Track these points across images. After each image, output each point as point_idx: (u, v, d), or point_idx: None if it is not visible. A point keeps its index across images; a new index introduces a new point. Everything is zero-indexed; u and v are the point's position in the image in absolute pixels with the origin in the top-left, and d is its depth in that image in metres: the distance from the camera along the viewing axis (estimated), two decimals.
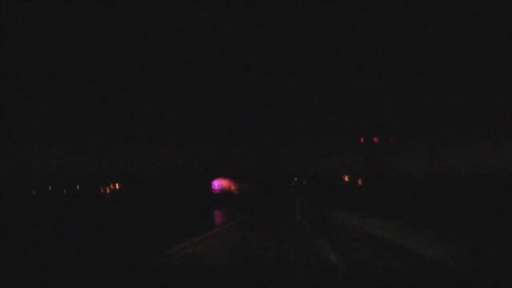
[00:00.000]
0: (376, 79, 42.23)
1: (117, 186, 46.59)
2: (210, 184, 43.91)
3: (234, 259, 7.32)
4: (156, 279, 5.43)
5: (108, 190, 45.65)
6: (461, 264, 5.86)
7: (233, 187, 45.21)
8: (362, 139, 47.19)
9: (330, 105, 59.17)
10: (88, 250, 8.00)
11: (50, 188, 38.53)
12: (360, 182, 57.05)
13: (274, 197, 39.33)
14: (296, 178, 77.10)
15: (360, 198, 31.19)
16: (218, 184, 43.90)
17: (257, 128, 69.34)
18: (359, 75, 43.76)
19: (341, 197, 35.08)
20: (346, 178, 61.63)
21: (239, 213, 20.62)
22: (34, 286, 4.99)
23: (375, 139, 46.34)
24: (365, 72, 44.31)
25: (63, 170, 40.06)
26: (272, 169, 60.40)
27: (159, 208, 23.10)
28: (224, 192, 41.47)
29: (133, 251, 8.11)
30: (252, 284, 5.03)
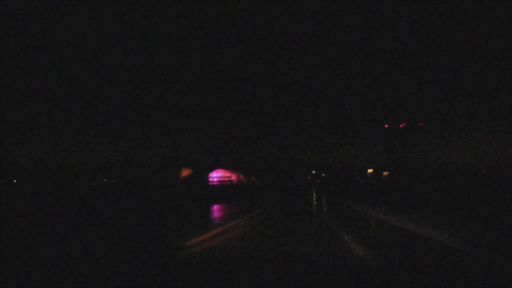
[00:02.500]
0: (405, 57, 37.81)
1: (112, 180, 43.80)
2: (206, 176, 39.58)
3: (253, 252, 7.31)
4: (176, 271, 5.20)
5: (101, 184, 42.78)
6: (480, 253, 6.38)
7: (235, 179, 40.86)
8: (386, 125, 42.66)
9: (351, 88, 54.21)
10: (104, 243, 8.14)
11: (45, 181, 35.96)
12: (384, 174, 52.50)
13: (288, 192, 34.42)
14: (313, 172, 72.61)
15: (384, 191, 28.76)
16: (216, 176, 39.40)
17: (268, 116, 65.13)
18: (386, 55, 39.38)
19: (364, 191, 31.89)
20: (369, 171, 57.03)
21: (250, 208, 18.84)
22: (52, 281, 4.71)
23: (402, 125, 41.74)
24: (392, 50, 39.85)
25: (54, 164, 37.71)
26: (286, 161, 56.37)
27: (154, 203, 21.02)
28: (224, 184, 37.07)
29: (150, 244, 8.25)
30: (273, 277, 4.78)
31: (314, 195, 30.65)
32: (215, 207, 20.07)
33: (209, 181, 38.77)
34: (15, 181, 34.71)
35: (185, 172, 36.46)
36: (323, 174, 70.13)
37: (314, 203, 23.21)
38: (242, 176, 40.98)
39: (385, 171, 47.38)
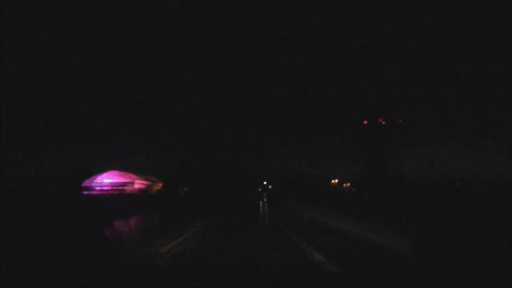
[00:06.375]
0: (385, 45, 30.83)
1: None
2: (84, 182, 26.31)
3: (213, 260, 7.51)
4: (149, 278, 5.38)
5: None
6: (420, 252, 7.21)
7: (141, 187, 27.62)
8: (365, 121, 35.47)
9: (319, 80, 45.45)
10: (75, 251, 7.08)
11: None
12: (345, 186, 45.64)
13: (232, 209, 25.56)
14: (265, 183, 63.85)
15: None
16: (107, 182, 25.74)
17: (211, 112, 54.47)
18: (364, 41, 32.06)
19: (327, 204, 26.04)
20: (334, 182, 49.67)
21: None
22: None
23: (381, 121, 34.55)
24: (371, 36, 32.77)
25: None
26: (232, 169, 46.27)
27: None
28: (116, 195, 24.00)
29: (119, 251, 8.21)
30: (238, 284, 5.06)
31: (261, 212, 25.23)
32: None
33: (94, 189, 24.65)
34: None
35: None
36: (270, 186, 62.72)
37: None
38: (160, 184, 28.51)
39: (356, 181, 39.59)
